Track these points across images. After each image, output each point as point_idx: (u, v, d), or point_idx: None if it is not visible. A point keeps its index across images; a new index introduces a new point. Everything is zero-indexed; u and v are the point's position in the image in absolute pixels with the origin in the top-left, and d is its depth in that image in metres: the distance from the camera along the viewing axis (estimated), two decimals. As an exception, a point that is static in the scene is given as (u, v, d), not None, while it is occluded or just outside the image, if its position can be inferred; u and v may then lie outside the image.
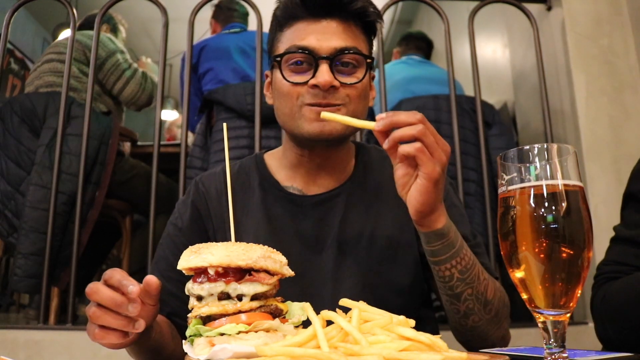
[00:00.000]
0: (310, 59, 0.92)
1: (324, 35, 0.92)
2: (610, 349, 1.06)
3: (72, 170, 2.05)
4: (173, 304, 0.94)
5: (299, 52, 0.92)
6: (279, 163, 1.05)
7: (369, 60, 0.95)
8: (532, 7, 2.26)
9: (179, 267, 0.63)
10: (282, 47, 0.95)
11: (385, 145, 0.76)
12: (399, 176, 0.79)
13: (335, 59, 0.92)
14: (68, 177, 2.05)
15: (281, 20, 0.97)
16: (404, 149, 0.75)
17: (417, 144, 0.74)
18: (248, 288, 0.61)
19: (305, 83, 0.91)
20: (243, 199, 1.02)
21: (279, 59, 0.94)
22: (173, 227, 1.03)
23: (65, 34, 2.77)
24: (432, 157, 0.75)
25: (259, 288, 0.61)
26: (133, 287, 0.64)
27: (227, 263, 0.60)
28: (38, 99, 2.21)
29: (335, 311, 0.60)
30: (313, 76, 0.91)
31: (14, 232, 2.09)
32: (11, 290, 3.38)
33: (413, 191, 0.78)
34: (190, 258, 0.61)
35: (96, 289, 0.66)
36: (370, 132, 2.60)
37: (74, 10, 2.13)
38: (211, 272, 0.60)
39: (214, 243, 0.63)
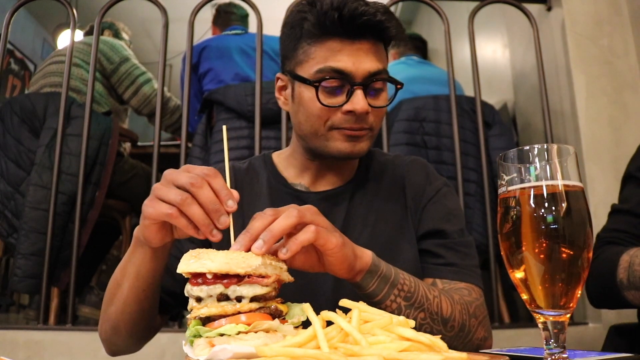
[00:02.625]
0: (345, 82, 0.91)
1: (358, 58, 0.91)
2: (593, 303, 1.18)
3: (72, 170, 2.05)
4: (165, 281, 0.95)
5: (335, 75, 0.91)
6: (286, 162, 1.08)
7: (399, 86, 0.95)
8: (532, 8, 2.26)
9: (178, 270, 0.63)
10: (312, 63, 0.93)
11: (286, 256, 0.67)
12: (305, 267, 0.75)
13: (369, 85, 0.92)
14: (68, 178, 2.05)
15: (312, 32, 0.94)
16: (302, 240, 0.67)
17: (311, 227, 0.68)
18: (247, 290, 0.61)
19: (339, 107, 0.92)
20: (251, 194, 1.05)
21: (317, 83, 0.92)
22: None
23: (76, 37, 2.78)
24: (327, 229, 0.71)
25: (258, 290, 0.61)
26: (233, 202, 0.66)
27: (226, 270, 0.60)
28: (38, 99, 2.21)
29: (336, 306, 0.61)
30: (347, 101, 0.91)
31: (14, 232, 2.09)
32: (11, 291, 3.38)
33: (331, 267, 0.74)
34: (190, 262, 0.61)
35: (201, 185, 0.66)
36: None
37: (74, 11, 2.13)
38: (209, 276, 0.61)
39: (214, 250, 0.63)
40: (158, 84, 2.09)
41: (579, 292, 0.58)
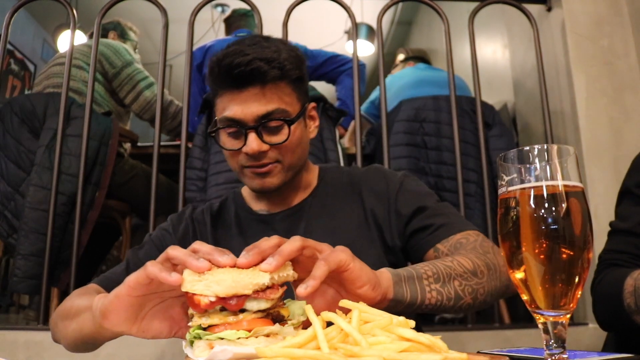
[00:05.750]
0: (240, 128, 1.01)
1: (247, 104, 0.99)
2: (602, 327, 1.16)
3: (72, 171, 2.05)
4: None
5: (228, 125, 1.01)
6: (251, 194, 1.18)
7: (293, 118, 1.02)
8: (532, 8, 2.26)
9: (182, 289, 0.60)
10: (217, 113, 1.05)
11: (306, 292, 0.61)
12: (334, 300, 0.70)
13: (261, 126, 1.00)
14: (68, 178, 2.05)
15: (213, 87, 1.06)
16: (321, 275, 0.63)
17: (321, 262, 0.65)
18: (252, 305, 0.59)
19: (240, 149, 1.02)
20: (223, 227, 1.15)
21: (212, 134, 1.06)
22: (163, 231, 1.15)
23: (80, 39, 2.77)
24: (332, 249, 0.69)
25: (263, 305, 0.60)
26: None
27: (233, 293, 0.57)
28: (38, 100, 2.21)
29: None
30: (245, 143, 1.00)
31: (13, 232, 2.09)
32: (11, 291, 3.38)
33: (356, 284, 0.70)
34: (194, 283, 0.58)
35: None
36: (369, 133, 2.60)
37: (74, 11, 2.13)
38: (213, 298, 0.58)
39: (220, 269, 0.60)
40: (158, 84, 2.09)
41: (579, 292, 0.57)
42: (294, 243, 0.66)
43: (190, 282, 0.58)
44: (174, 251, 0.63)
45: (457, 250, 0.96)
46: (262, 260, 0.62)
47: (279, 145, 1.02)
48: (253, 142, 1.00)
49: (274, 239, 0.66)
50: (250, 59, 0.97)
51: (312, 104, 1.13)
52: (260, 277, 0.59)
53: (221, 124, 1.03)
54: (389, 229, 1.07)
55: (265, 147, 1.01)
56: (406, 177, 1.14)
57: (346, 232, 1.07)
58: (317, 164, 1.23)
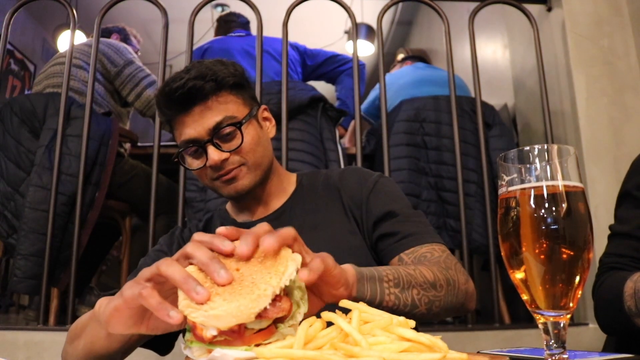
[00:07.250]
0: (198, 146, 1.07)
1: (196, 122, 1.06)
2: (604, 331, 1.15)
3: (72, 171, 2.05)
4: None
5: (189, 145, 1.08)
6: (233, 207, 1.23)
7: (240, 121, 1.07)
8: (532, 8, 2.26)
9: (180, 308, 0.56)
10: (177, 141, 1.12)
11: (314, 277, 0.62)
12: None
13: (215, 137, 1.06)
14: (68, 178, 2.05)
15: (165, 120, 1.13)
16: (316, 269, 0.63)
17: (317, 259, 0.65)
18: (253, 324, 0.57)
19: (205, 165, 1.08)
20: None
21: (176, 159, 1.12)
22: (158, 252, 1.16)
23: (80, 39, 2.76)
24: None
25: (264, 324, 0.57)
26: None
27: (235, 323, 0.54)
28: (38, 100, 2.21)
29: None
30: (207, 158, 1.06)
31: (13, 233, 2.09)
32: (11, 292, 3.38)
33: (332, 288, 0.70)
34: (192, 310, 0.54)
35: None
36: (369, 133, 2.60)
37: (74, 11, 2.13)
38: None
39: (218, 298, 0.55)
40: (158, 84, 2.09)
41: (579, 292, 0.57)
42: (289, 229, 0.65)
43: (187, 307, 0.54)
44: (168, 269, 0.58)
45: (421, 260, 0.98)
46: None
47: (237, 149, 1.07)
48: (213, 154, 1.05)
49: (264, 225, 0.64)
50: (185, 81, 1.04)
51: (263, 107, 1.19)
52: (261, 300, 0.54)
53: (181, 148, 1.10)
54: (362, 227, 1.10)
55: (225, 155, 1.06)
56: (381, 178, 1.15)
57: (328, 225, 1.10)
58: (296, 171, 1.27)
